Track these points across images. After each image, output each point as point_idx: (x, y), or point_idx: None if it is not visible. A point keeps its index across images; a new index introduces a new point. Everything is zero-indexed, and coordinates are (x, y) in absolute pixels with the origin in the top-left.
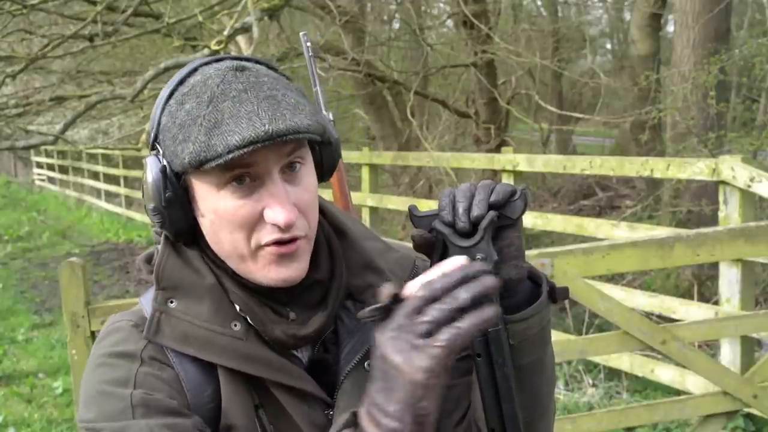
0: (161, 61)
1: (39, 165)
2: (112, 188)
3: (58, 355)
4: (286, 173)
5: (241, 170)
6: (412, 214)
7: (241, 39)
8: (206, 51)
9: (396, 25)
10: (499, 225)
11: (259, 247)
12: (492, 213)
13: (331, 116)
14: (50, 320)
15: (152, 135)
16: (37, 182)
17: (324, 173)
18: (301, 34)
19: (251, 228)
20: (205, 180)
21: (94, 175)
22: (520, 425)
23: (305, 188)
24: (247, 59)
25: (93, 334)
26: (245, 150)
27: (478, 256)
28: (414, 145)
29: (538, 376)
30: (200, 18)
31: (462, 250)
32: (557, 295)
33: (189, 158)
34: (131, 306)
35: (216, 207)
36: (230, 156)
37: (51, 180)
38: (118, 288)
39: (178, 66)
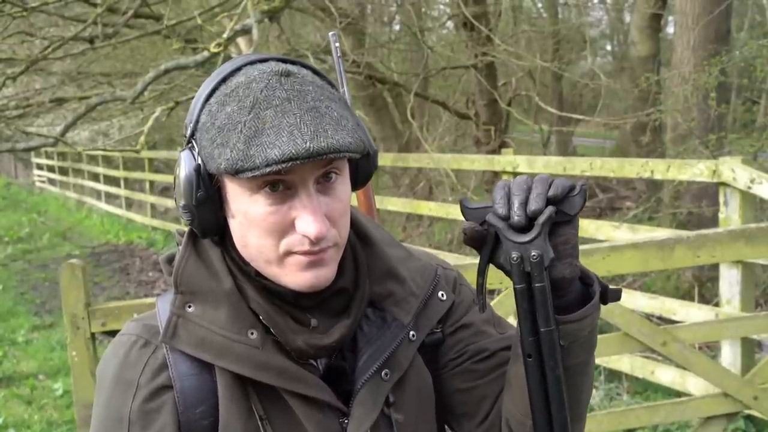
0: (161, 62)
1: (39, 166)
2: (113, 190)
3: (58, 357)
4: (321, 183)
5: (276, 178)
6: (464, 206)
7: (241, 41)
8: (206, 53)
9: (396, 27)
10: (555, 221)
11: (288, 253)
12: (551, 208)
13: (358, 114)
14: (50, 322)
15: (189, 130)
16: (38, 184)
17: (358, 183)
18: (330, 34)
19: (281, 235)
20: (238, 183)
21: (95, 177)
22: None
23: (338, 198)
24: (293, 62)
25: (93, 336)
26: (284, 165)
27: (533, 253)
28: (414, 146)
29: (581, 378)
30: (199, 21)
31: (516, 246)
32: (609, 296)
33: (225, 165)
34: (131, 308)
35: (247, 210)
36: (267, 170)
37: (51, 181)
38: (119, 289)
39: (179, 68)
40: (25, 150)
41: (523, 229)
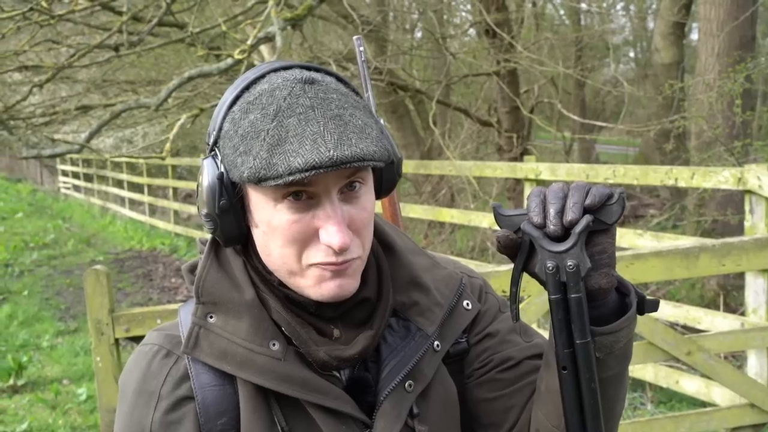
0: (185, 70)
1: (64, 173)
2: (136, 196)
3: (82, 362)
4: (345, 192)
5: (300, 187)
6: (497, 213)
7: (264, 48)
8: (229, 60)
9: (418, 34)
10: (592, 229)
11: (311, 264)
12: (588, 217)
13: (382, 121)
14: (74, 327)
15: (212, 137)
16: (63, 190)
17: (382, 191)
18: (354, 38)
19: (304, 244)
20: (261, 192)
21: (119, 184)
22: None
23: (362, 208)
24: (317, 69)
25: (117, 342)
26: (307, 174)
27: (569, 263)
28: (436, 153)
29: (615, 390)
30: (224, 28)
31: (552, 255)
32: (646, 307)
33: (248, 173)
34: (154, 314)
35: (270, 220)
36: (290, 178)
37: (76, 188)
38: (142, 295)
39: (202, 75)
40: (51, 156)
41: (559, 238)
